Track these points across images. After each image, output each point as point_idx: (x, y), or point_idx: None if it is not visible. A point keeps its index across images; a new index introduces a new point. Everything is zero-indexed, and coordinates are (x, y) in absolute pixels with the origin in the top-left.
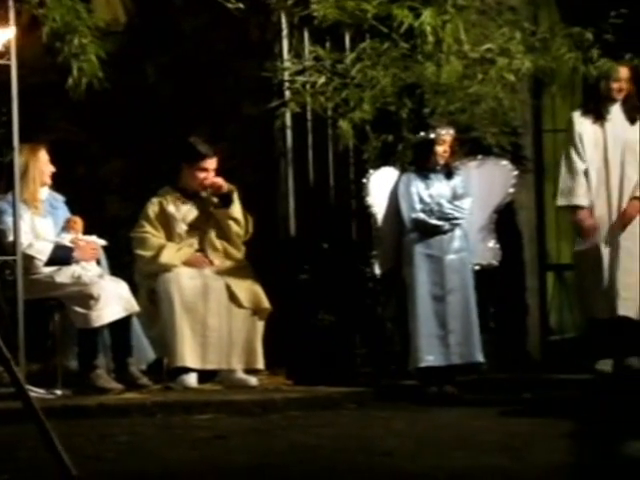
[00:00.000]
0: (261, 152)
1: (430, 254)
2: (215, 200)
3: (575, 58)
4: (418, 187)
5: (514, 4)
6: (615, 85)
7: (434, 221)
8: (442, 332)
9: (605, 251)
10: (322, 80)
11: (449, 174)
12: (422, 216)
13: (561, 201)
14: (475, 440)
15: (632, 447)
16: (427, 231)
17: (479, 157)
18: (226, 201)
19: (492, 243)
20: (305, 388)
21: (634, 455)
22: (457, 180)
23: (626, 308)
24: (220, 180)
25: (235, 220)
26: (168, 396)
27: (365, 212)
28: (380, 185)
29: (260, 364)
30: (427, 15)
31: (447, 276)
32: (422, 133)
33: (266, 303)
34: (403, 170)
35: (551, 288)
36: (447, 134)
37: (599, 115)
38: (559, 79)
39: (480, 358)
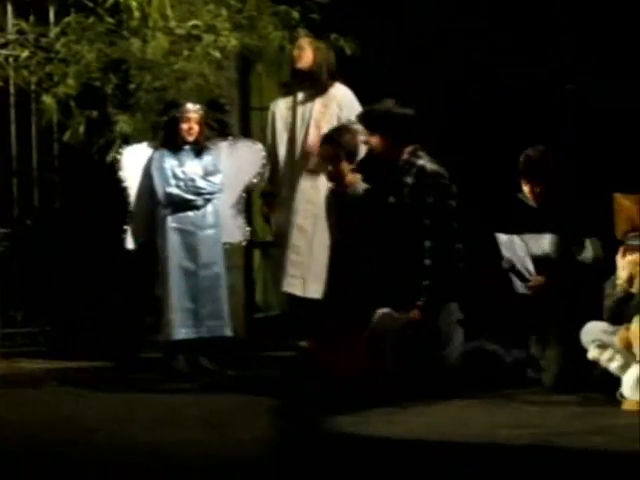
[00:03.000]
0: None
1: (183, 229)
2: None
3: (281, 37)
4: (171, 163)
5: None
6: (295, 52)
7: (188, 195)
8: (194, 305)
9: (291, 230)
10: (25, 54)
11: (200, 152)
12: (176, 190)
13: None
14: (178, 416)
15: (331, 422)
16: (181, 205)
17: (230, 137)
18: None
19: (241, 222)
20: (7, 364)
21: (334, 430)
22: (208, 158)
23: (290, 285)
24: None
25: None
26: None
27: (67, 186)
28: (133, 160)
29: None
30: None
31: (200, 251)
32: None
33: None
34: (157, 147)
35: (257, 266)
36: (193, 112)
37: (290, 91)
38: (265, 57)
39: (229, 332)
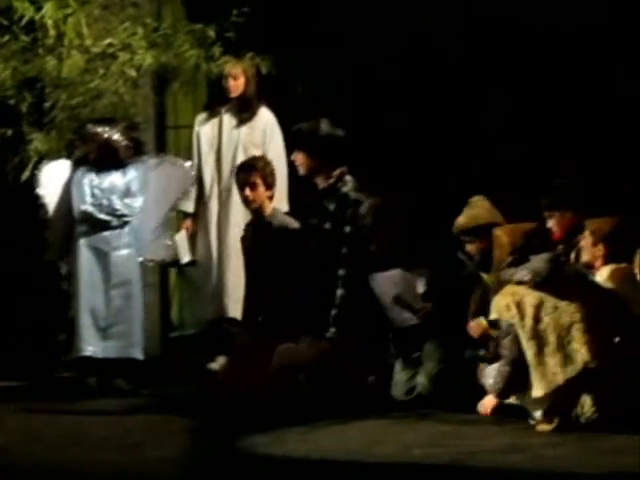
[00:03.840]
0: None
1: (96, 247)
2: None
3: (197, 55)
4: (92, 180)
5: (137, 0)
6: (230, 83)
7: (102, 215)
8: (103, 324)
9: (216, 253)
10: None
11: (125, 169)
12: (90, 209)
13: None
14: (92, 436)
15: (245, 442)
16: (95, 224)
17: (160, 155)
18: None
19: (166, 240)
20: None
21: (248, 450)
22: (133, 176)
23: (235, 310)
24: None
25: None
26: None
27: None
28: (52, 176)
29: None
30: (48, 8)
31: (112, 270)
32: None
33: None
34: (77, 163)
35: (173, 284)
36: (95, 132)
37: (215, 114)
38: (181, 76)
39: (138, 355)
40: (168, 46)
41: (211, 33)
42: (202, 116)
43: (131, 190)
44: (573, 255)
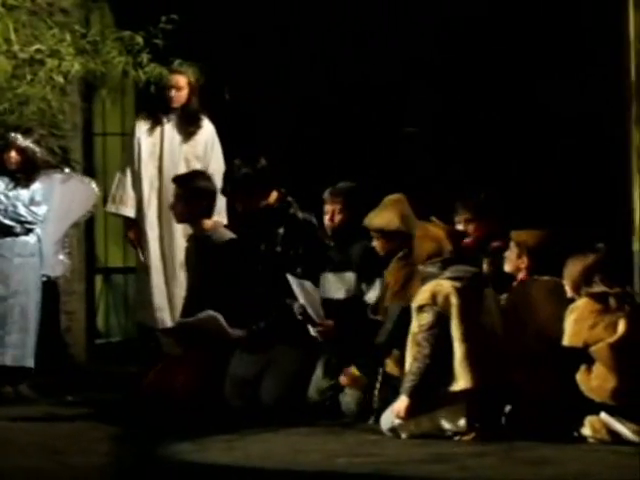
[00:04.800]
0: None
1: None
2: None
3: (125, 62)
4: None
5: (66, 6)
6: (172, 93)
7: (7, 221)
8: (1, 332)
9: (156, 262)
10: None
11: (30, 180)
12: None
13: (110, 208)
14: (16, 442)
15: (170, 449)
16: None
17: (66, 171)
18: None
19: (63, 256)
20: None
21: (173, 458)
22: (37, 187)
23: (167, 318)
24: None
25: None
26: None
27: None
28: None
29: None
30: None
31: (13, 278)
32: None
33: None
34: None
35: (99, 292)
36: (13, 141)
37: (156, 122)
38: (109, 83)
39: (31, 364)
40: (96, 53)
41: (139, 40)
42: (143, 123)
43: (35, 199)
44: (486, 264)
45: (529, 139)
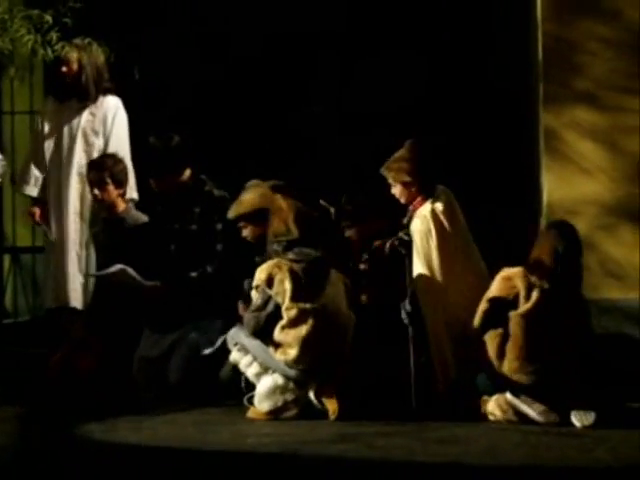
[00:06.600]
0: None
1: None
2: None
3: (34, 40)
4: None
5: None
6: (63, 69)
7: None
8: None
9: (59, 241)
10: None
11: None
12: None
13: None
14: None
15: (80, 430)
16: None
17: None
18: None
19: None
20: None
21: (81, 438)
22: None
23: (74, 299)
24: None
25: None
26: None
27: None
28: None
29: None
30: None
31: None
32: None
33: None
34: None
35: (7, 271)
36: None
37: (57, 100)
38: (18, 61)
39: None
40: (4, 31)
41: (48, 18)
42: (46, 100)
43: None
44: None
45: (438, 121)
